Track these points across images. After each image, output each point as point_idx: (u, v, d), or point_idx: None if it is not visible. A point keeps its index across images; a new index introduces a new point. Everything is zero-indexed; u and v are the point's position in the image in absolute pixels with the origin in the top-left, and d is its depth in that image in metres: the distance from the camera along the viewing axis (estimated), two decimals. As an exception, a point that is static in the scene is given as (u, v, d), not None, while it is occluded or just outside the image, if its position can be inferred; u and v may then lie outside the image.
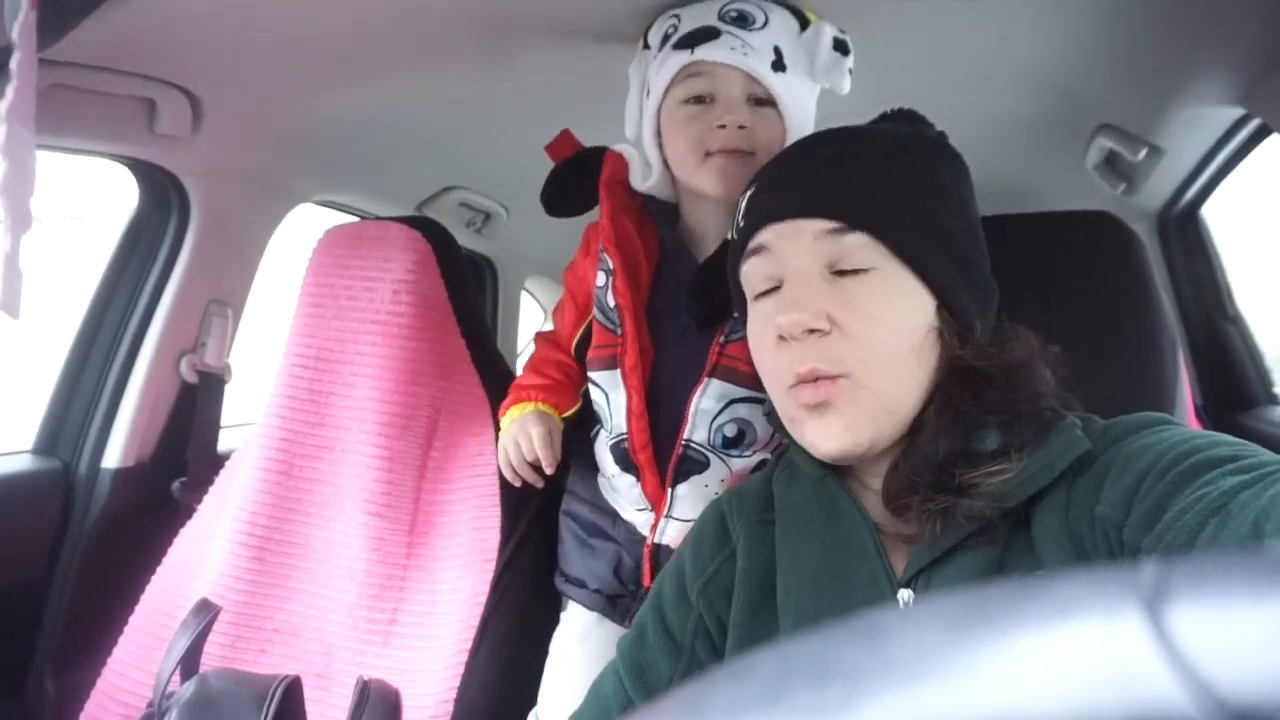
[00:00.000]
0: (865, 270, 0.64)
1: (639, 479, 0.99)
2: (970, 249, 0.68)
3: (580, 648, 1.06)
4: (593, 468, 1.08)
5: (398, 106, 1.32)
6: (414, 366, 1.17)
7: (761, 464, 0.96)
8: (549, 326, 1.18)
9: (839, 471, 0.70)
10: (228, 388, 1.50)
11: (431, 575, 1.12)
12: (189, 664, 0.92)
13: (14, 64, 0.65)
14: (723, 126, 0.91)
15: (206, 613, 0.95)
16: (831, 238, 0.65)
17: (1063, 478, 0.60)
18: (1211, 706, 0.14)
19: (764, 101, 0.93)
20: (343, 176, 1.60)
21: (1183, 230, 1.67)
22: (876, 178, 0.66)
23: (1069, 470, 0.60)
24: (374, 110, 1.33)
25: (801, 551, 0.68)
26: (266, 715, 0.86)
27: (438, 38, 1.06)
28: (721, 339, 0.94)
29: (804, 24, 0.96)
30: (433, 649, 1.08)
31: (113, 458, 1.36)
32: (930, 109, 0.79)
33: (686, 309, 0.95)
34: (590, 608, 1.06)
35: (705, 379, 0.94)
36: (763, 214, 0.69)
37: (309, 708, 0.93)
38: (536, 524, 1.14)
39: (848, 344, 0.63)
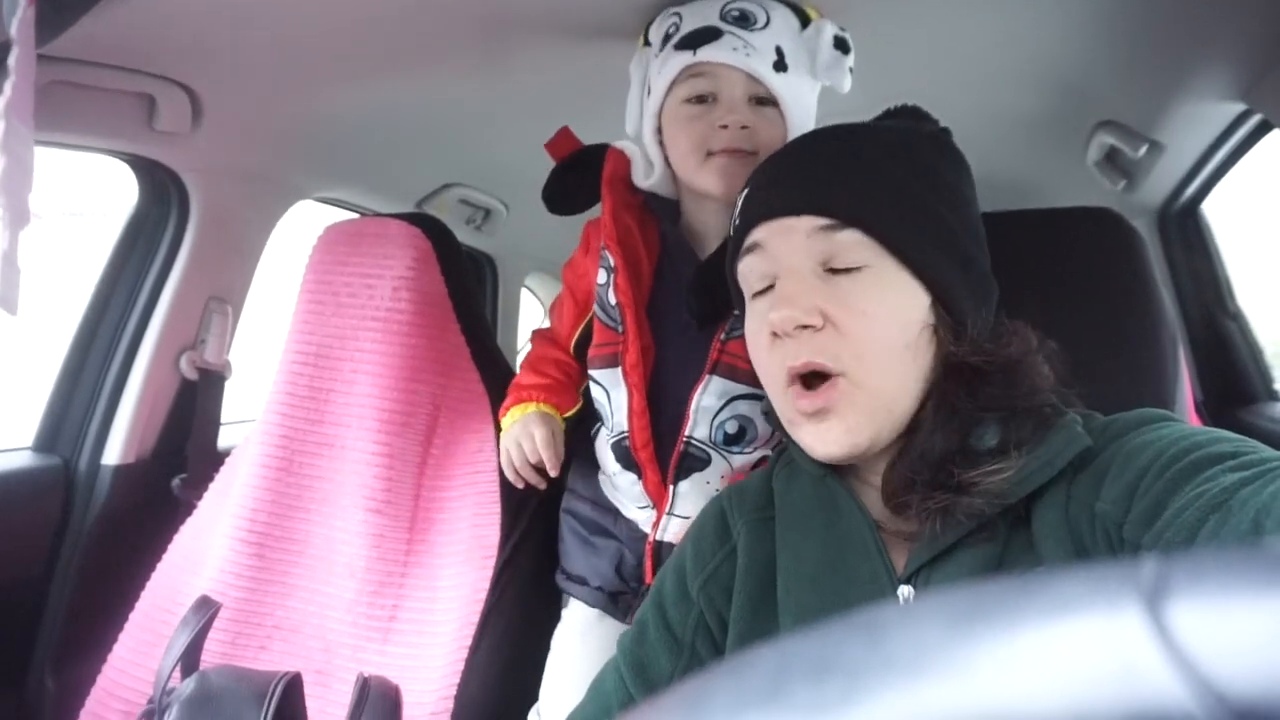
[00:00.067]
0: (859, 267, 0.64)
1: (640, 477, 0.99)
2: (970, 246, 0.68)
3: (581, 644, 1.06)
4: (593, 465, 1.08)
5: (398, 103, 1.32)
6: (414, 363, 1.17)
7: (763, 459, 0.96)
8: (547, 324, 1.18)
9: (839, 469, 0.70)
10: (228, 384, 1.50)
11: (431, 572, 1.12)
12: (189, 660, 0.92)
13: (13, 60, 0.65)
14: (725, 127, 0.92)
15: (207, 609, 0.95)
16: (824, 235, 0.65)
17: (1063, 474, 0.60)
18: (1212, 702, 0.14)
19: (765, 101, 0.93)
20: (343, 173, 1.60)
21: (1183, 226, 1.67)
22: (871, 175, 0.66)
23: (1069, 467, 0.60)
24: (374, 107, 1.33)
25: (802, 549, 0.68)
26: (267, 712, 0.86)
27: (438, 34, 1.06)
28: (722, 336, 0.94)
29: (804, 22, 0.96)
30: (433, 645, 1.08)
31: (113, 454, 1.36)
32: (930, 106, 0.79)
33: (687, 307, 0.95)
34: (592, 605, 1.06)
35: (706, 376, 0.94)
36: (757, 212, 0.69)
37: (309, 704, 0.93)
38: (537, 521, 1.14)
39: (842, 340, 0.63)
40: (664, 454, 0.98)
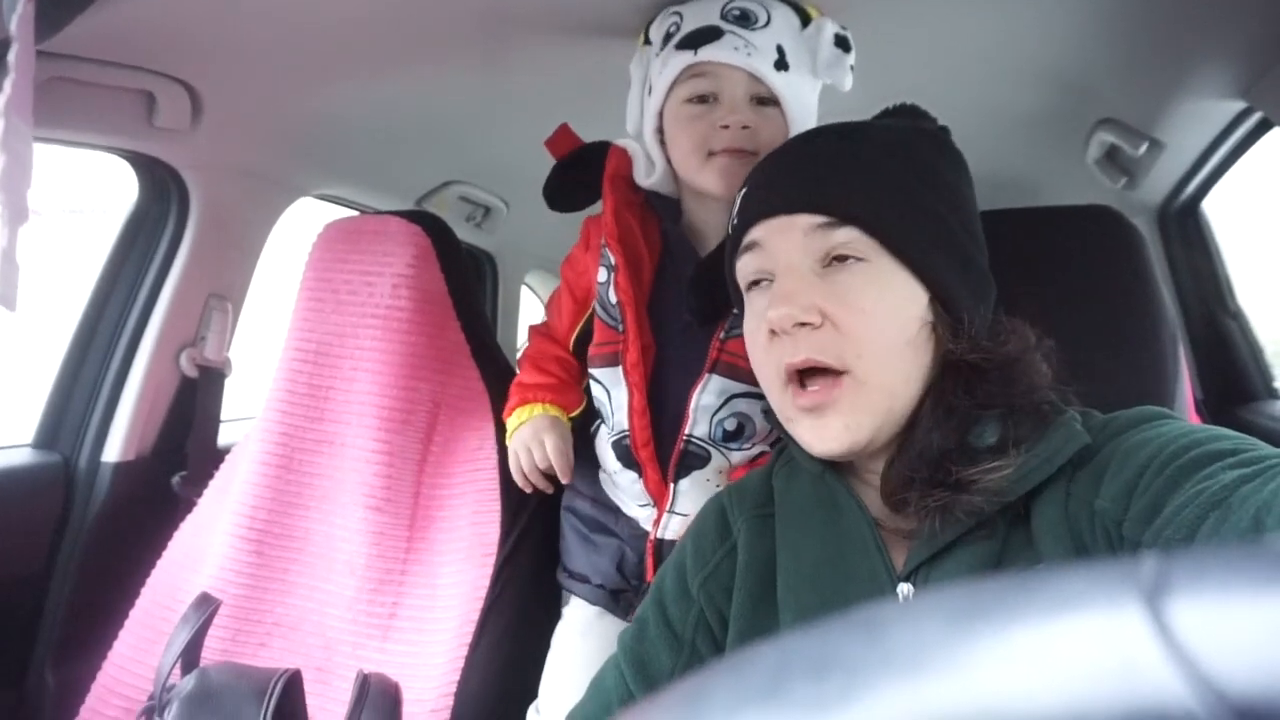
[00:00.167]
0: (857, 265, 0.64)
1: (641, 475, 0.99)
2: (968, 244, 0.68)
3: (582, 642, 1.06)
4: (593, 463, 1.08)
5: (398, 100, 1.32)
6: (414, 361, 1.17)
7: (761, 455, 0.96)
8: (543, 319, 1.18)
9: (838, 467, 0.70)
10: (227, 382, 1.50)
11: (431, 569, 1.12)
12: (189, 657, 0.92)
13: (12, 57, 0.65)
14: (726, 127, 0.91)
15: (207, 606, 0.95)
16: (822, 232, 0.65)
17: (1062, 472, 0.60)
18: (1212, 700, 0.14)
19: (767, 100, 0.93)
20: (342, 170, 1.60)
21: (1183, 225, 1.67)
22: (870, 173, 0.66)
23: (1068, 465, 0.60)
24: (374, 104, 1.32)
25: (801, 546, 0.68)
26: (267, 709, 0.86)
27: (438, 31, 1.06)
28: (722, 335, 0.94)
29: (805, 20, 0.96)
30: (433, 643, 1.08)
31: (113, 452, 1.36)
32: (930, 103, 0.79)
33: (686, 305, 0.95)
34: (593, 603, 1.07)
35: (706, 375, 0.94)
36: (755, 210, 0.69)
37: (309, 701, 0.93)
38: (536, 519, 1.14)
39: (842, 338, 0.63)
40: (664, 452, 0.98)
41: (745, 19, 0.92)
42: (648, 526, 1.02)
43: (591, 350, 1.03)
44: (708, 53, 0.91)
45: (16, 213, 0.64)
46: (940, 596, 0.18)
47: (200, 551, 1.19)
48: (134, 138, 1.21)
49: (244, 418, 1.62)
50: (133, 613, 1.18)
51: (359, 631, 1.11)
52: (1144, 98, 1.31)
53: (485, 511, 1.13)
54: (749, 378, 0.88)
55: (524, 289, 2.52)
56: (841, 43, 0.95)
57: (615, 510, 1.06)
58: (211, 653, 1.04)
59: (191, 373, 1.43)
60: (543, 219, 1.22)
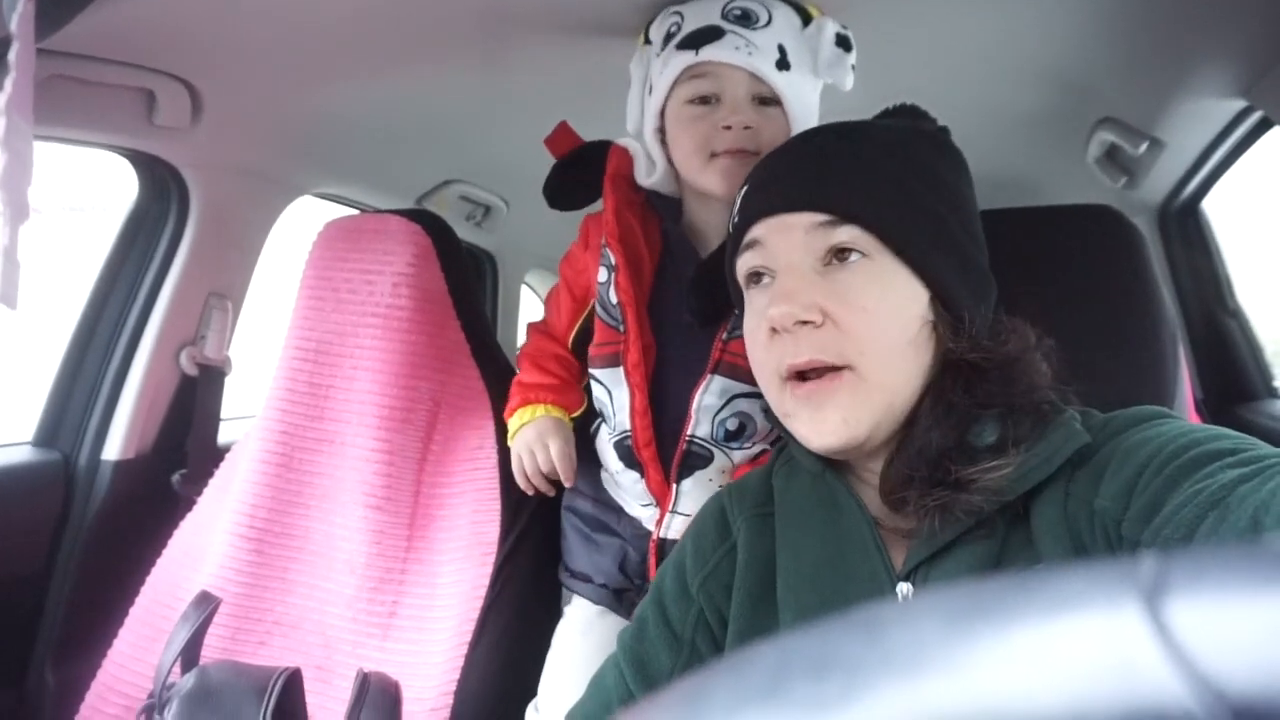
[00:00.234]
0: (857, 264, 0.64)
1: (643, 475, 0.99)
2: (967, 243, 0.68)
3: (582, 640, 1.06)
4: (594, 463, 1.08)
5: (398, 99, 1.32)
6: (414, 360, 1.17)
7: (763, 454, 0.96)
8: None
9: (837, 466, 0.70)
10: (227, 380, 1.50)
11: (431, 568, 1.12)
12: (189, 656, 0.92)
13: (13, 55, 0.65)
14: (728, 128, 0.91)
15: (207, 605, 0.95)
16: (823, 231, 0.65)
17: (1061, 471, 0.60)
18: (1211, 699, 0.14)
19: (768, 100, 0.93)
20: (343, 169, 1.60)
21: (1183, 224, 1.67)
22: (870, 172, 0.66)
23: (1067, 464, 0.60)
24: (374, 103, 1.32)
25: (801, 546, 0.68)
26: (266, 707, 0.86)
27: (438, 30, 1.06)
28: (724, 336, 0.94)
29: (806, 20, 0.95)
30: (432, 642, 1.08)
31: (113, 450, 1.36)
32: (931, 103, 0.79)
33: (687, 306, 0.94)
34: (596, 602, 1.07)
35: (708, 376, 0.94)
36: (756, 209, 0.69)
37: (309, 700, 0.93)
38: (536, 518, 1.14)
39: (844, 337, 0.63)
40: (666, 452, 0.98)
41: (746, 18, 0.92)
42: (650, 526, 1.02)
43: (592, 350, 1.02)
44: (709, 52, 0.91)
45: (18, 211, 0.64)
46: (939, 596, 0.18)
47: (200, 550, 1.19)
48: (134, 136, 1.21)
49: (244, 416, 1.62)
50: (133, 611, 1.18)
51: (359, 630, 1.11)
52: (1144, 97, 1.31)
53: (485, 510, 1.13)
54: (750, 378, 0.88)
55: (524, 288, 2.52)
56: (842, 42, 0.95)
57: (617, 510, 1.06)
58: (211, 651, 1.04)
59: (191, 371, 1.43)
60: (543, 218, 1.21)
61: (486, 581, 1.09)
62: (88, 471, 1.36)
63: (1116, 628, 0.15)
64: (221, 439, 1.47)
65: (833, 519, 0.68)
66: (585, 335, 1.07)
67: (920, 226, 0.65)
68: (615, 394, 0.99)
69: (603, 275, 1.00)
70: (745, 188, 0.72)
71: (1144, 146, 1.37)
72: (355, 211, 1.71)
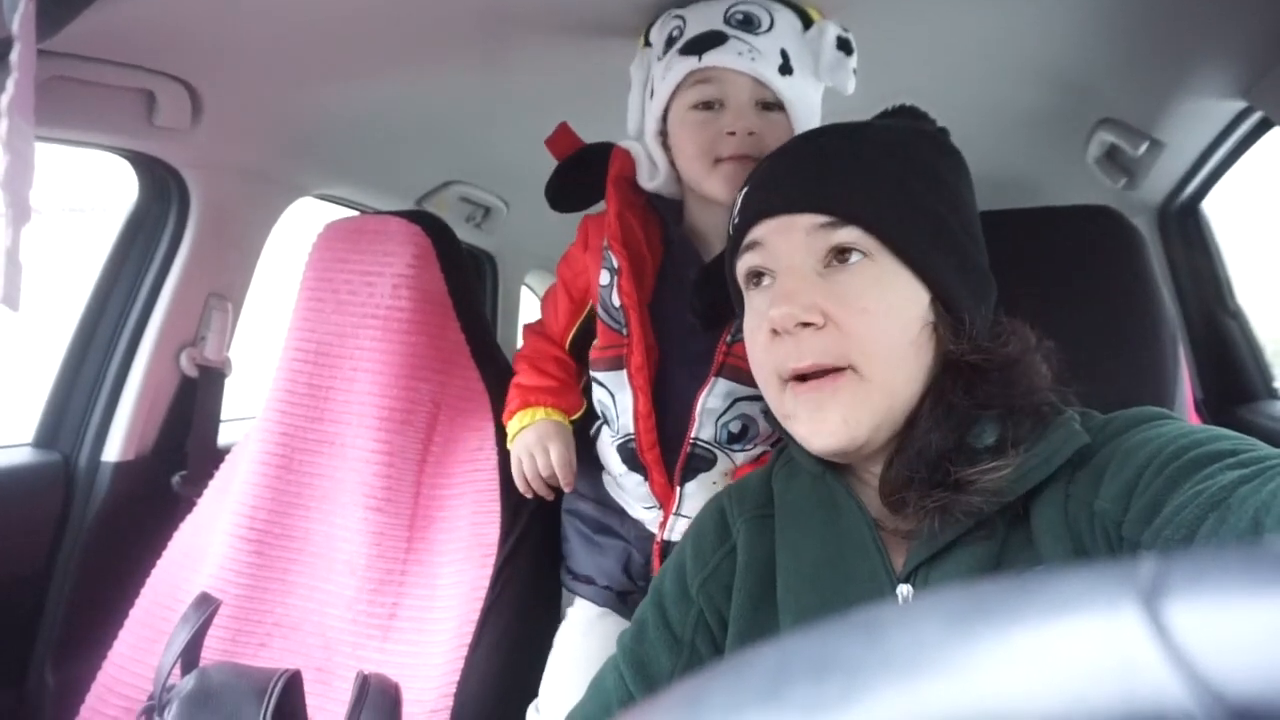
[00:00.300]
0: (858, 265, 0.64)
1: (647, 478, 0.99)
2: (967, 244, 0.68)
3: (584, 641, 1.06)
4: (595, 465, 1.08)
5: (398, 100, 1.32)
6: (414, 361, 1.17)
7: (765, 454, 0.96)
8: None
9: (837, 468, 0.70)
10: (227, 381, 1.50)
11: (431, 570, 1.12)
12: (189, 657, 0.92)
13: (14, 56, 0.65)
14: (732, 133, 0.91)
15: (207, 606, 0.95)
16: (824, 232, 0.65)
17: (1061, 472, 0.60)
18: (1210, 701, 0.14)
19: (771, 105, 0.93)
20: (343, 170, 1.60)
21: (1183, 224, 1.67)
22: (870, 173, 0.66)
23: (1067, 465, 0.60)
24: (374, 104, 1.32)
25: (801, 547, 0.68)
26: (267, 709, 0.86)
27: (438, 31, 1.06)
28: (728, 338, 0.94)
29: (807, 23, 0.95)
30: (432, 643, 1.08)
31: (113, 451, 1.36)
32: (931, 103, 0.79)
33: (690, 308, 0.94)
34: (601, 604, 1.06)
35: (712, 378, 0.94)
36: (756, 210, 0.68)
37: (309, 701, 0.93)
38: (536, 519, 1.14)
39: (846, 339, 0.63)
40: (670, 455, 0.98)
41: (748, 23, 0.92)
42: (653, 529, 1.02)
43: (594, 353, 1.02)
44: (712, 58, 0.91)
45: (20, 212, 0.64)
46: (939, 598, 0.18)
47: (200, 551, 1.19)
48: (134, 137, 1.21)
49: (244, 417, 1.62)
50: (133, 612, 1.18)
51: (359, 631, 1.11)
52: (1144, 97, 1.31)
53: (485, 512, 1.13)
54: (753, 380, 0.89)
55: (524, 289, 2.52)
56: (843, 45, 0.94)
57: (620, 512, 1.06)
58: (211, 652, 1.04)
59: (191, 372, 1.43)
60: (543, 219, 1.21)
61: (486, 583, 1.09)
62: (88, 472, 1.36)
63: (1116, 629, 0.15)
64: (221, 440, 1.47)
65: (833, 520, 0.68)
66: (583, 337, 1.07)
67: (921, 227, 0.65)
68: (618, 397, 0.99)
69: (605, 278, 1.00)
70: (745, 188, 0.72)
71: (1144, 147, 1.37)
72: (355, 213, 1.72)
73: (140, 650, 1.14)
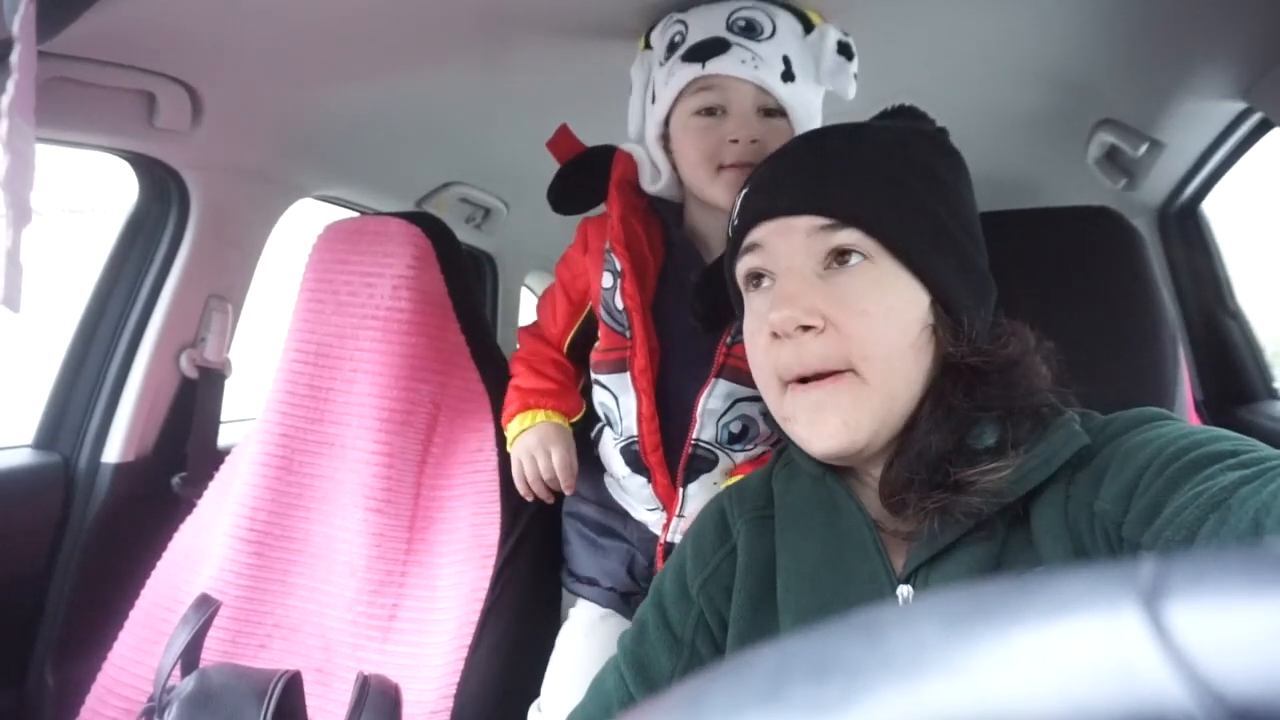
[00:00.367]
0: (858, 267, 0.64)
1: (650, 480, 0.99)
2: (967, 245, 0.68)
3: (587, 641, 1.06)
4: (596, 468, 1.08)
5: (398, 101, 1.32)
6: (414, 362, 1.17)
7: (766, 454, 0.97)
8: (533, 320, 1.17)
9: (837, 469, 0.70)
10: (228, 383, 1.50)
11: (431, 571, 1.12)
12: (189, 658, 0.92)
13: (14, 57, 0.65)
14: (735, 141, 0.91)
15: (207, 607, 0.95)
16: (824, 234, 0.64)
17: (1061, 473, 0.60)
18: (1210, 702, 0.14)
19: (774, 111, 0.93)
20: (343, 171, 1.60)
21: (1183, 225, 1.67)
22: (870, 174, 0.66)
23: (1068, 466, 0.60)
24: (374, 105, 1.32)
25: (801, 548, 0.68)
26: (267, 710, 0.86)
27: (438, 32, 1.06)
28: (728, 340, 0.94)
29: (808, 26, 0.95)
30: (432, 644, 1.08)
31: (113, 452, 1.36)
32: (930, 103, 0.79)
33: (691, 311, 0.94)
34: (605, 605, 1.07)
35: (712, 379, 0.94)
36: (756, 212, 0.68)
37: (309, 703, 0.93)
38: (536, 520, 1.14)
39: (846, 342, 0.63)
40: (672, 456, 0.98)
41: (751, 30, 0.92)
42: (657, 530, 1.02)
43: (596, 356, 1.02)
44: (715, 65, 0.91)
45: (20, 213, 0.64)
46: (939, 599, 0.18)
47: (200, 552, 1.19)
48: (134, 138, 1.21)
49: (244, 419, 1.62)
50: (133, 613, 1.18)
51: (359, 633, 1.11)
52: (1144, 98, 1.31)
53: (485, 513, 1.13)
54: (753, 380, 0.89)
55: (524, 290, 2.52)
56: (844, 50, 0.94)
57: (623, 514, 1.06)
58: (211, 654, 1.04)
59: (191, 374, 1.43)
60: (542, 220, 1.21)
61: (486, 584, 1.09)
62: (88, 474, 1.36)
63: (1116, 630, 0.15)
64: (221, 441, 1.47)
65: (832, 521, 0.68)
66: (581, 339, 1.07)
67: (920, 228, 0.65)
68: (621, 399, 0.99)
69: (607, 281, 0.99)
70: (745, 190, 0.72)
71: (1144, 148, 1.37)
72: (355, 214, 1.72)
73: (140, 651, 1.14)
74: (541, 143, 1.07)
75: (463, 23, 1.04)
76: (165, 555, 1.21)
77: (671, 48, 0.95)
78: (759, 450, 0.97)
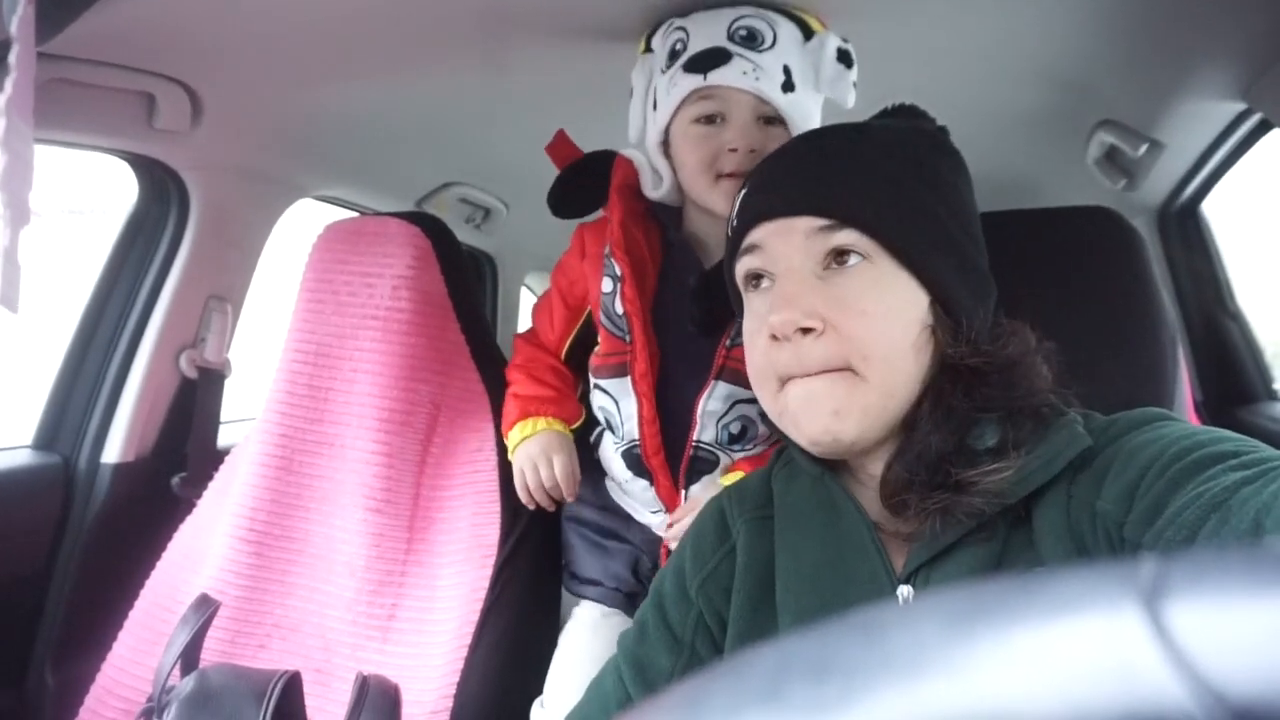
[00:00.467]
0: (857, 267, 0.64)
1: (653, 483, 0.99)
2: (967, 245, 0.68)
3: (591, 640, 1.06)
4: (597, 471, 1.08)
5: (398, 101, 1.32)
6: (413, 363, 1.17)
7: (765, 453, 0.97)
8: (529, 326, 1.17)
9: (837, 469, 0.70)
10: (227, 383, 1.50)
11: (431, 571, 1.12)
12: (189, 659, 0.92)
13: (13, 58, 0.65)
14: (734, 150, 0.91)
15: (206, 608, 0.95)
16: (823, 235, 0.64)
17: (1063, 474, 0.60)
18: (1210, 702, 0.14)
19: (773, 120, 0.93)
20: (342, 172, 1.60)
21: (1183, 226, 1.67)
22: (870, 174, 0.66)
23: (1069, 466, 0.60)
24: (374, 105, 1.32)
25: (801, 548, 0.68)
26: (266, 710, 0.86)
27: (438, 32, 1.06)
28: (728, 342, 0.94)
29: (807, 34, 0.95)
30: (432, 644, 1.08)
31: (113, 453, 1.36)
32: (930, 103, 0.79)
33: (690, 317, 0.95)
34: (610, 605, 1.07)
35: (712, 382, 0.94)
36: (755, 212, 0.68)
37: (308, 703, 0.93)
38: (536, 520, 1.14)
39: (843, 342, 0.62)
40: (674, 459, 0.98)
41: (752, 39, 0.92)
42: (660, 532, 1.02)
43: (596, 360, 1.02)
44: (717, 76, 0.91)
45: (19, 214, 0.64)
46: (939, 599, 0.18)
47: (200, 553, 1.19)
48: (134, 139, 1.21)
49: (244, 419, 1.62)
50: (132, 614, 1.18)
51: (358, 633, 1.11)
52: (1144, 98, 1.31)
53: (485, 513, 1.13)
54: None
55: (524, 290, 2.52)
56: (844, 58, 0.94)
57: (625, 517, 1.06)
58: (211, 654, 1.03)
59: (191, 374, 1.43)
60: (542, 221, 1.21)
61: (486, 584, 1.09)
62: (87, 474, 1.36)
63: (1116, 630, 0.15)
64: (221, 442, 1.47)
65: (832, 522, 0.68)
66: (579, 345, 1.07)
67: (920, 229, 0.65)
68: (622, 403, 0.99)
69: (607, 286, 0.99)
70: (744, 190, 0.72)
71: (1143, 148, 1.37)
72: (355, 214, 1.71)
73: (140, 651, 1.14)
74: (541, 143, 1.07)
75: (463, 23, 1.04)
76: (165, 555, 1.21)
77: (673, 56, 0.95)
78: (759, 450, 0.98)
